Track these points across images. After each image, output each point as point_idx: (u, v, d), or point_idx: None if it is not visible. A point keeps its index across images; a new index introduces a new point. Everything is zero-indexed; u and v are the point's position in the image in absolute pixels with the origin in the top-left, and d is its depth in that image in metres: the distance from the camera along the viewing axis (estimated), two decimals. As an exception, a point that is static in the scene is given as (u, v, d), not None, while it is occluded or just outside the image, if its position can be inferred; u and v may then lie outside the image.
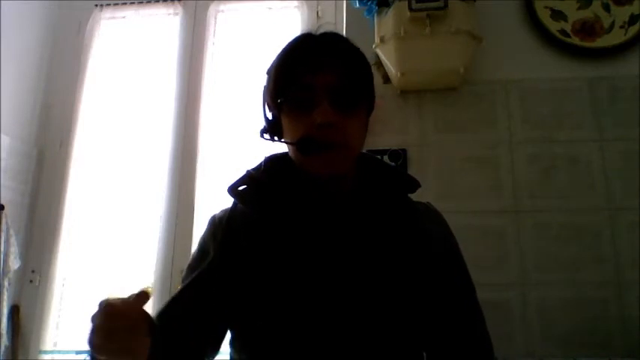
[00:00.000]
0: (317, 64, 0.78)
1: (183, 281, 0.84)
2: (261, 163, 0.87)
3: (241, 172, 0.87)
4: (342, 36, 0.84)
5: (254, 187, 0.84)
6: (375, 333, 0.74)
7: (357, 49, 0.84)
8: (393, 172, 0.89)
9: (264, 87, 0.85)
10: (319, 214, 0.81)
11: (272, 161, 0.87)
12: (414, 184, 0.87)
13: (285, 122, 0.81)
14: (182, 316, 0.79)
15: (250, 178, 0.85)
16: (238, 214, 0.84)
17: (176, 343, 0.75)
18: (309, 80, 0.77)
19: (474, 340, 0.82)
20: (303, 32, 0.84)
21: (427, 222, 0.85)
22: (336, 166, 0.78)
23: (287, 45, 0.83)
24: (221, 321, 0.81)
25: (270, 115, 0.84)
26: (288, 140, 0.80)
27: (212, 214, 0.89)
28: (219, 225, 0.85)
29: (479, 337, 0.83)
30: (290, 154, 0.83)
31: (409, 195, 0.88)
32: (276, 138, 0.84)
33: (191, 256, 0.87)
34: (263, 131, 0.85)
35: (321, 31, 0.83)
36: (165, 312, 0.81)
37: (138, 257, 2.06)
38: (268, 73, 0.85)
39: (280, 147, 0.85)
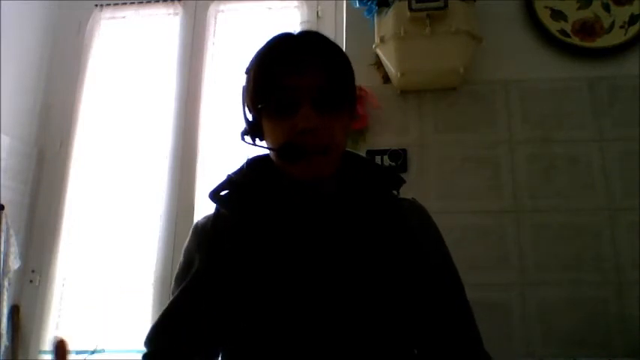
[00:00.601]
0: (297, 65, 0.75)
1: (172, 294, 0.84)
2: (242, 166, 0.86)
3: (222, 177, 0.85)
4: (321, 35, 0.81)
5: (236, 191, 0.83)
6: (362, 333, 0.74)
7: (338, 48, 0.81)
8: (377, 169, 0.88)
9: (243, 87, 0.83)
10: (303, 215, 0.80)
11: (254, 163, 0.86)
12: (398, 181, 0.86)
13: (265, 126, 0.79)
14: (180, 331, 0.79)
15: (231, 182, 0.84)
16: (222, 219, 0.83)
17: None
18: (290, 82, 0.74)
19: (463, 337, 0.81)
20: (282, 32, 0.81)
21: (412, 218, 0.84)
22: (319, 171, 0.77)
23: (265, 45, 0.80)
24: (216, 329, 0.80)
25: (250, 117, 0.83)
26: (270, 145, 0.79)
27: (195, 223, 0.88)
28: (203, 232, 0.84)
29: (468, 334, 0.82)
30: (272, 157, 0.81)
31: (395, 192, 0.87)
32: (257, 140, 0.82)
33: (178, 268, 0.86)
34: (244, 133, 0.83)
35: (301, 30, 0.81)
36: (161, 329, 0.81)
37: (138, 257, 2.05)
38: (247, 72, 0.82)
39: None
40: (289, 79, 0.75)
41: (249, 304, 0.75)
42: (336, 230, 0.78)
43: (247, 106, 0.83)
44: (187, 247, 0.86)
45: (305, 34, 0.80)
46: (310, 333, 0.73)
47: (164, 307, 0.83)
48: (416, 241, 0.81)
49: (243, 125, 0.85)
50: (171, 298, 0.83)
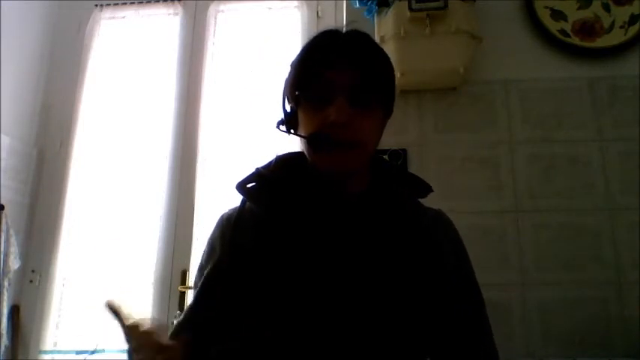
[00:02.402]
0: (338, 61, 0.77)
1: (195, 284, 0.85)
2: (271, 161, 0.86)
3: (250, 170, 0.86)
4: (368, 36, 0.84)
5: (263, 185, 0.84)
6: (375, 341, 0.73)
7: (382, 51, 0.84)
8: (406, 176, 0.89)
9: (286, 79, 0.85)
10: (328, 215, 0.80)
11: (283, 160, 0.87)
12: (426, 189, 0.86)
13: (301, 116, 0.80)
14: (198, 327, 0.81)
15: (259, 175, 0.84)
16: (246, 213, 0.84)
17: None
18: (329, 76, 0.77)
19: (480, 353, 0.81)
20: (329, 28, 0.84)
21: (437, 229, 0.85)
22: (346, 165, 0.78)
23: (312, 39, 0.83)
24: (231, 323, 0.81)
25: (288, 108, 0.84)
26: (302, 134, 0.80)
27: (221, 213, 0.89)
28: (227, 223, 0.85)
29: (485, 350, 0.82)
30: (303, 148, 0.82)
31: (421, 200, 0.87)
32: (292, 131, 0.83)
33: (201, 257, 0.87)
34: (280, 123, 0.85)
35: (348, 28, 0.83)
36: (187, 323, 0.83)
37: (138, 257, 2.05)
38: (291, 65, 0.85)
39: (290, 144, 0.85)
40: (328, 72, 0.77)
41: (264, 304, 0.76)
42: (359, 237, 0.78)
43: (287, 97, 0.84)
44: (211, 237, 0.87)
45: (350, 33, 0.83)
46: (323, 338, 0.73)
47: (187, 305, 0.86)
48: (438, 252, 0.81)
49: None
50: (194, 294, 0.85)
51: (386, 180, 0.85)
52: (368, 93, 0.77)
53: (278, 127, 0.85)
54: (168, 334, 0.85)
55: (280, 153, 0.88)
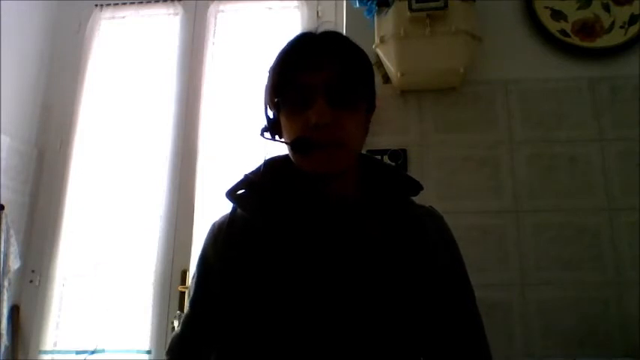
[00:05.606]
0: (313, 63, 0.77)
1: (188, 293, 0.87)
2: (260, 166, 0.86)
3: (239, 176, 0.86)
4: (340, 34, 0.84)
5: (253, 191, 0.84)
6: (373, 340, 0.73)
7: (356, 47, 0.83)
8: (395, 175, 0.88)
9: (265, 86, 0.84)
10: (320, 218, 0.80)
11: (271, 164, 0.86)
12: (417, 187, 0.85)
13: (283, 121, 0.80)
14: (200, 336, 0.83)
15: (249, 181, 0.84)
16: (238, 219, 0.84)
17: None
18: (305, 79, 0.76)
19: (472, 347, 0.81)
20: (302, 31, 0.84)
21: (429, 226, 0.84)
22: (331, 166, 0.77)
23: (286, 44, 0.83)
24: (224, 328, 0.81)
25: (270, 114, 0.84)
26: (286, 139, 0.80)
27: (213, 221, 0.89)
28: (219, 231, 0.85)
29: (478, 345, 0.82)
30: (289, 153, 0.82)
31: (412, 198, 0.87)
32: (277, 137, 0.83)
33: (196, 266, 0.87)
34: (264, 130, 0.84)
35: (321, 29, 0.82)
36: (185, 334, 0.85)
37: (138, 257, 2.06)
38: (269, 72, 0.84)
39: (280, 147, 0.85)
40: (305, 76, 0.77)
41: (257, 308, 0.75)
42: (353, 236, 0.78)
43: (268, 104, 0.84)
44: (204, 245, 0.87)
45: (324, 34, 0.82)
46: (317, 339, 0.73)
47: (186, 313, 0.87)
48: (430, 250, 0.81)
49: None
50: (189, 302, 0.87)
51: (375, 179, 0.85)
52: (346, 91, 0.77)
53: (262, 134, 0.84)
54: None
55: (268, 157, 0.87)
